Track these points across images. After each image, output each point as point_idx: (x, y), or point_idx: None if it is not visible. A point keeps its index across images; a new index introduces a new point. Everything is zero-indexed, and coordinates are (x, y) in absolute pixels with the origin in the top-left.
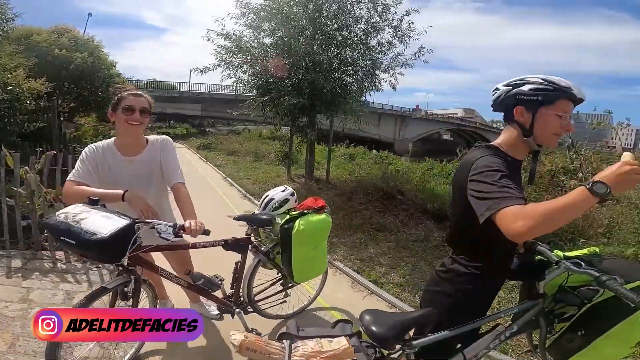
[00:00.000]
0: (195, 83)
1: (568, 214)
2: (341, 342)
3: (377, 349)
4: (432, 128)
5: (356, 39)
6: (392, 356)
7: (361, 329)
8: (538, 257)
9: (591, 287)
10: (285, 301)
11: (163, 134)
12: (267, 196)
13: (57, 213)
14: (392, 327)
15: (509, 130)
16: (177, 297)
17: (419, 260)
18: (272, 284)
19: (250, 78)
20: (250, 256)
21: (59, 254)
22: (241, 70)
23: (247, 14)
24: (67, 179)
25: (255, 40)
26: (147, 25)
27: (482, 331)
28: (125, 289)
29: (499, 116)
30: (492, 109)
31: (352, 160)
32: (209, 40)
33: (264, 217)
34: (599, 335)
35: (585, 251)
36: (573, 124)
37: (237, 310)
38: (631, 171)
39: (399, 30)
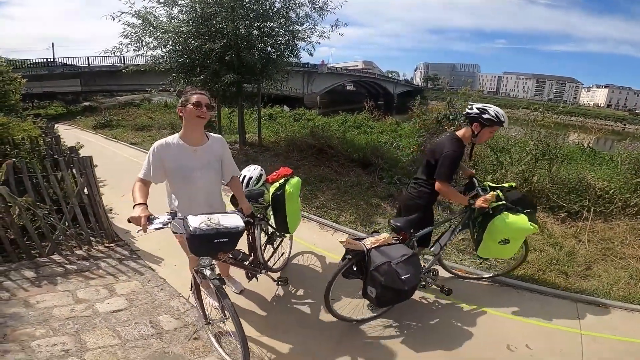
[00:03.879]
0: (69, 57)
1: (455, 200)
2: (385, 235)
3: (398, 237)
4: (337, 81)
5: (275, 10)
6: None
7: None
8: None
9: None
10: (284, 254)
11: (35, 115)
12: (244, 176)
13: (195, 225)
14: (404, 223)
15: (467, 128)
16: None
17: (359, 200)
18: (265, 246)
19: (170, 55)
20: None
21: (58, 258)
22: (161, 48)
23: None
24: (138, 175)
25: (173, 18)
26: None
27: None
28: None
29: (394, 68)
30: (465, 117)
31: (272, 120)
32: (114, 19)
33: (257, 191)
34: (484, 232)
35: (506, 185)
36: (489, 134)
37: (262, 272)
38: (483, 203)
39: (316, 4)
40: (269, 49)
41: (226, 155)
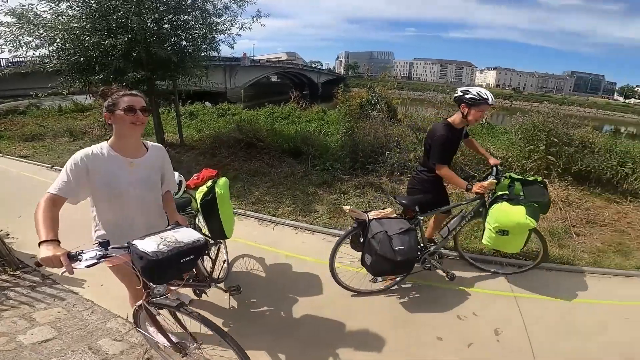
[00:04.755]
0: None
1: (454, 184)
2: (389, 209)
3: (403, 214)
4: (261, 73)
5: (190, 2)
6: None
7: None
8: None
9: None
10: (225, 261)
11: None
12: None
13: (152, 249)
14: (409, 201)
15: (457, 113)
16: None
17: (294, 191)
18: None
19: (59, 54)
20: None
21: None
22: (46, 47)
23: None
24: (47, 190)
25: (60, 15)
26: None
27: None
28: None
29: (317, 58)
30: (454, 100)
31: (194, 117)
32: None
33: (182, 200)
34: (486, 222)
35: (531, 178)
36: (476, 112)
37: (210, 285)
38: (478, 189)
39: None
40: (184, 43)
41: (167, 167)
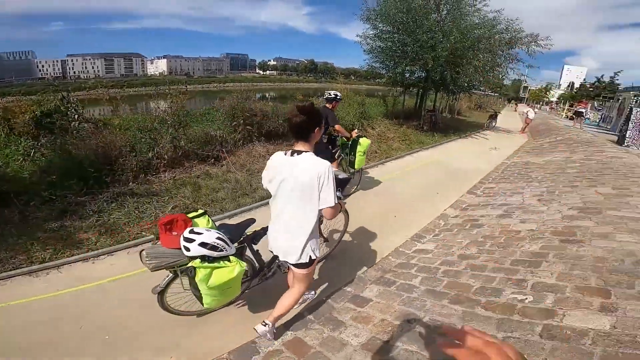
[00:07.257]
0: None
1: (344, 134)
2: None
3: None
4: None
5: None
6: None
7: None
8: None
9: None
10: None
11: None
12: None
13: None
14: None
15: (330, 104)
16: None
17: (36, 233)
18: None
19: None
20: None
21: None
22: None
23: None
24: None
25: None
26: None
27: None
28: None
29: None
30: (326, 99)
31: None
32: None
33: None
34: (355, 152)
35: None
36: (337, 105)
37: None
38: (358, 133)
39: None
40: None
41: None
